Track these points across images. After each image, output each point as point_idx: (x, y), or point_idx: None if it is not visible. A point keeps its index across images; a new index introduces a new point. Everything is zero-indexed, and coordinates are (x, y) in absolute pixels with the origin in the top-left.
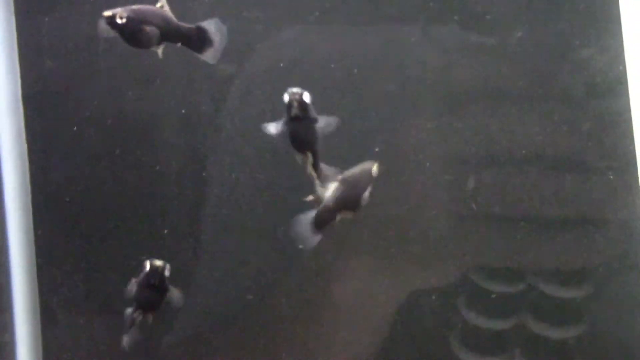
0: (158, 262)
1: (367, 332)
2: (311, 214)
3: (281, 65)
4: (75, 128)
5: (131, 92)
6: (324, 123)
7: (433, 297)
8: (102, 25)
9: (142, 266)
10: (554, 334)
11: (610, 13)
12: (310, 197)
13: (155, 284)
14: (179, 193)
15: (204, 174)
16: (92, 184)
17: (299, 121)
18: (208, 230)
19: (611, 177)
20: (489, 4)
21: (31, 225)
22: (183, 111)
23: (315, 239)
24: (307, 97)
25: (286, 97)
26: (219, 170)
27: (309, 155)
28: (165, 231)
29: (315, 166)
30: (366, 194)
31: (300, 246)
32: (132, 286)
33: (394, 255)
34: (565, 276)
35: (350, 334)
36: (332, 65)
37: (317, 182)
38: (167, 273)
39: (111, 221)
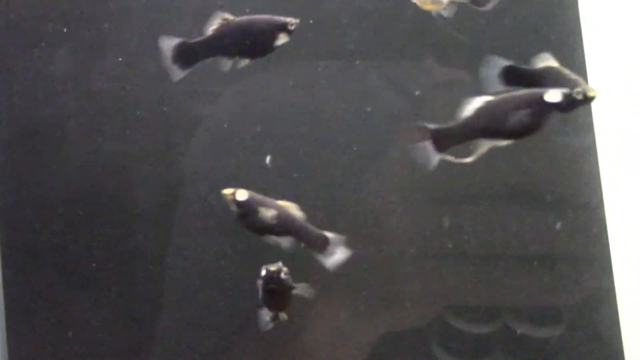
0: (272, 267)
1: None
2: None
3: (248, 110)
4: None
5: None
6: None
7: (407, 339)
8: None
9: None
10: None
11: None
12: None
13: (274, 288)
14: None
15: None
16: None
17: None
18: (174, 278)
19: (581, 213)
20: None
21: None
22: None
23: (436, 159)
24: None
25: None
26: (188, 219)
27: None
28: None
29: None
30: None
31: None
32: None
33: (368, 297)
34: (539, 315)
35: None
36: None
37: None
38: (283, 275)
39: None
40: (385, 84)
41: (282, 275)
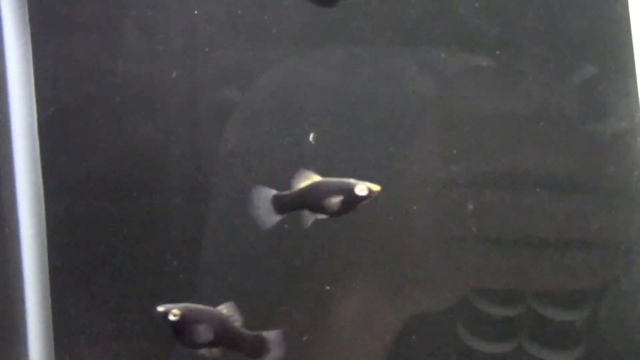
0: (161, 308)
1: (364, 358)
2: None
3: (280, 93)
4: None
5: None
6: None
7: (432, 321)
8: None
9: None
10: (553, 357)
11: (619, 30)
12: None
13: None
14: (182, 225)
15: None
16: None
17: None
18: (207, 261)
19: (609, 199)
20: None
21: (46, 255)
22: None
23: (274, 219)
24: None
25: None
26: (221, 204)
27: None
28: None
29: None
30: (331, 201)
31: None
32: None
33: (393, 279)
34: (564, 299)
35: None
36: (330, 94)
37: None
38: (171, 317)
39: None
40: (417, 68)
41: (170, 317)
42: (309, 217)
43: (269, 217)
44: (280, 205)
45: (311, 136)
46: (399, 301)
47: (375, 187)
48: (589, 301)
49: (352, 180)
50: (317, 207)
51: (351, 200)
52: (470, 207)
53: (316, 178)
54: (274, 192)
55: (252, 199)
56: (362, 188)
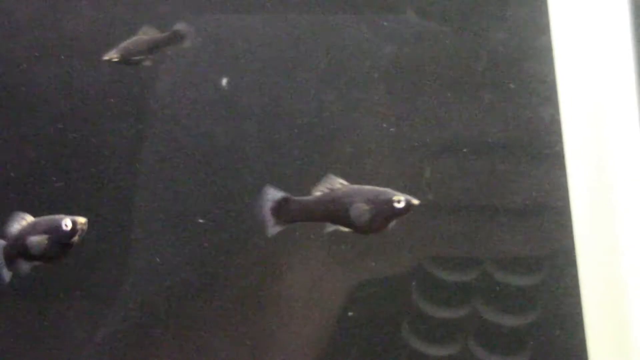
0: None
1: (317, 324)
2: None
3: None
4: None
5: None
6: None
7: (385, 286)
8: None
9: None
10: (507, 321)
11: None
12: None
13: None
14: (116, 181)
15: (140, 164)
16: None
17: None
18: (148, 220)
19: (543, 165)
20: None
21: None
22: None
23: (275, 229)
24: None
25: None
26: (156, 158)
27: None
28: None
29: None
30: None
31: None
32: None
33: (346, 245)
34: (518, 264)
35: (300, 326)
36: (283, 57)
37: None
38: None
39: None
40: (369, 35)
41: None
42: (329, 228)
43: (272, 225)
44: (290, 212)
45: (224, 81)
46: (354, 266)
47: (415, 201)
48: (543, 266)
49: (388, 190)
50: (339, 219)
51: (384, 213)
52: (427, 174)
53: (342, 184)
54: (282, 194)
55: (259, 200)
56: (399, 199)
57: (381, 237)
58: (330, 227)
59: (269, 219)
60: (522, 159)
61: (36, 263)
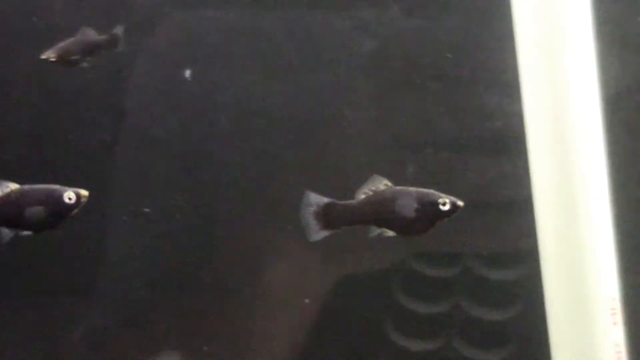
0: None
1: (298, 319)
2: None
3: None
4: None
5: None
6: None
7: (367, 282)
8: None
9: None
10: (490, 316)
11: None
12: None
13: None
14: (93, 175)
15: (116, 159)
16: None
17: None
18: (121, 213)
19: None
20: None
21: None
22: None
23: (320, 235)
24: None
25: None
26: (128, 153)
27: None
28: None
29: None
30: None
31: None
32: None
33: (328, 240)
34: (500, 258)
35: (280, 322)
36: (264, 53)
37: None
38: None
39: None
40: (351, 30)
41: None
42: (373, 232)
43: (317, 231)
44: (335, 217)
45: (187, 73)
46: (335, 261)
47: (460, 203)
48: (524, 261)
49: (433, 192)
50: (385, 222)
51: (430, 215)
52: (410, 169)
53: (386, 185)
54: (326, 200)
55: (301, 206)
56: (445, 201)
57: (363, 231)
58: (375, 231)
59: (314, 225)
60: (491, 153)
61: (25, 233)
